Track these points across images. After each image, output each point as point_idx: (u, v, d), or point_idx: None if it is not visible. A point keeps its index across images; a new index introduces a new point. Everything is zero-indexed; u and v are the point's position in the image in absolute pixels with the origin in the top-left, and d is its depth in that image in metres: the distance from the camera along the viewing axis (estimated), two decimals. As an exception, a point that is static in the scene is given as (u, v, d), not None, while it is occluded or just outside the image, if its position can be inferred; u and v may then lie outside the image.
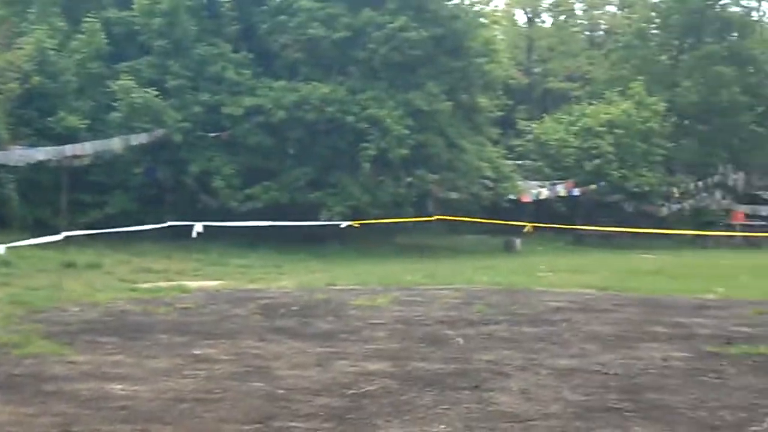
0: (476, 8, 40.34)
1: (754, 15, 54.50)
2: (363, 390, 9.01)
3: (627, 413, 8.26)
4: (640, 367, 10.44)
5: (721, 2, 50.58)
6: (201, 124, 33.67)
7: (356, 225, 27.85)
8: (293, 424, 7.68)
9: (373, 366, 10.21)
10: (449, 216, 33.51)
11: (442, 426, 7.70)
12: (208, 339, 11.92)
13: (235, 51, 35.03)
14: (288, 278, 22.58)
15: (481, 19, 39.94)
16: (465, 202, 39.15)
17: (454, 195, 39.35)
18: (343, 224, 27.99)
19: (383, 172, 35.14)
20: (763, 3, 58.61)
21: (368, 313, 14.54)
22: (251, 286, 20.36)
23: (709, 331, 13.20)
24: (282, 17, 34.70)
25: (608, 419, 8.04)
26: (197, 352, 10.99)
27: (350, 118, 33.56)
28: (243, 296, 17.31)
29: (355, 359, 10.60)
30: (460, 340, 12.07)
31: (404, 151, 33.93)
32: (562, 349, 11.55)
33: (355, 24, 34.55)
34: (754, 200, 50.61)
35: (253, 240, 31.87)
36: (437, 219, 34.35)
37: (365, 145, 33.51)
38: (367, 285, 19.73)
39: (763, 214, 49.14)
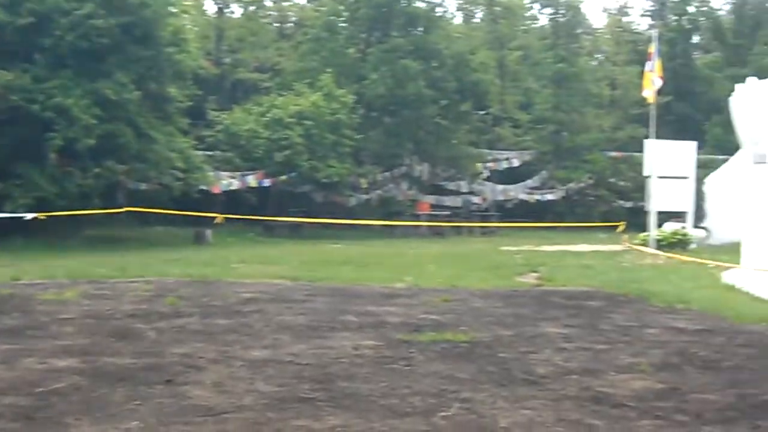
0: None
1: (439, 11, 56.28)
2: (52, 387, 8.76)
3: (320, 402, 8.38)
4: (332, 356, 10.61)
5: (407, -3, 51.95)
6: None
7: (42, 217, 27.06)
8: (-22, 426, 7.39)
9: (61, 362, 9.95)
10: (139, 207, 33.03)
11: (135, 422, 7.59)
12: None
13: None
14: (-31, 273, 21.66)
15: (171, 8, 39.43)
16: (155, 193, 38.69)
17: (144, 186, 38.85)
18: (28, 216, 27.14)
19: (70, 162, 34.24)
20: (446, -1, 60.62)
21: (56, 308, 14.15)
22: (-70, 282, 19.41)
23: (398, 320, 13.55)
24: (-39, 1, 33.21)
25: (301, 409, 8.14)
26: None
27: (35, 107, 32.45)
28: None
29: (42, 356, 10.29)
30: (152, 334, 11.93)
31: (92, 141, 33.14)
32: (254, 340, 11.59)
33: (40, 10, 33.37)
34: (439, 191, 52.42)
35: (-68, 234, 30.45)
36: (127, 211, 33.79)
37: (51, 134, 32.51)
38: (54, 279, 19.18)
39: (448, 204, 50.98)
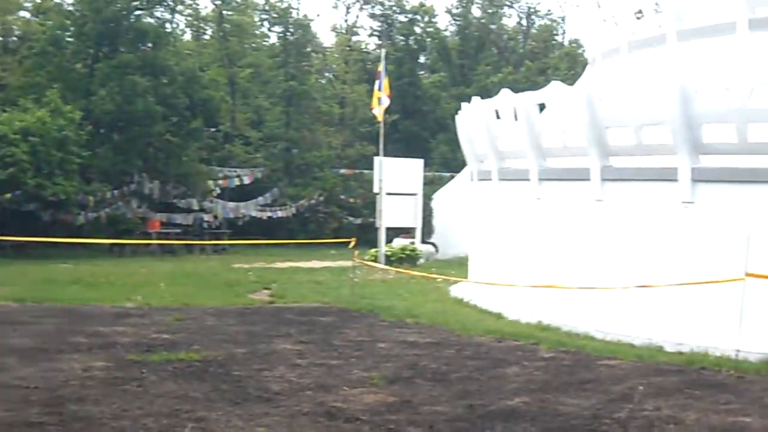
0: None
1: (168, 27, 55.72)
2: None
3: (50, 427, 8.18)
4: (62, 378, 10.37)
5: (136, 13, 51.22)
6: None
7: None
8: None
9: None
10: None
11: None
12: None
13: None
14: None
15: None
16: None
17: None
18: None
19: None
20: (177, 15, 59.93)
21: None
22: None
23: (129, 340, 13.36)
24: None
25: (31, 434, 7.92)
26: None
27: None
28: None
29: None
30: None
31: None
32: (-21, 364, 11.21)
33: None
34: (170, 208, 51.81)
35: None
36: None
37: None
38: None
39: (179, 221, 50.47)
